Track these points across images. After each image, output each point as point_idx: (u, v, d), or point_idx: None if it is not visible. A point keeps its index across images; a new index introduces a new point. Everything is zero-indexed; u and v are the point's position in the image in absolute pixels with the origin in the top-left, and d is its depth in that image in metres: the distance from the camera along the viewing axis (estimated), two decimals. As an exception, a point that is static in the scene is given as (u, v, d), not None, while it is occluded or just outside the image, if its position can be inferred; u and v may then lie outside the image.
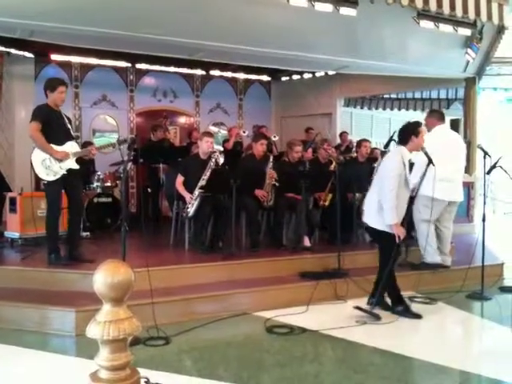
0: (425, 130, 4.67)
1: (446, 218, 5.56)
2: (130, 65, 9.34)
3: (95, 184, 6.97)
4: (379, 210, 4.30)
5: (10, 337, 3.74)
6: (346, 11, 5.77)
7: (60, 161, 4.59)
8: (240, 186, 5.30)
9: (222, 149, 7.33)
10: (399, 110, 11.02)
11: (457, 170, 5.57)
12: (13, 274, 4.60)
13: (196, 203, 5.35)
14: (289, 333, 3.95)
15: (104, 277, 1.43)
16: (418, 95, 10.78)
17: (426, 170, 4.63)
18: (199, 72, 9.94)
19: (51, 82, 4.75)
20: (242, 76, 10.49)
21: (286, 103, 10.90)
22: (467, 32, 6.91)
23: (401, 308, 4.42)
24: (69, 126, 4.79)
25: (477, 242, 5.27)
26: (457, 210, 5.74)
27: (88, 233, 6.38)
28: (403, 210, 4.36)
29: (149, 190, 7.72)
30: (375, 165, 6.14)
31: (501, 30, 7.18)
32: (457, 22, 6.54)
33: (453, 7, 5.91)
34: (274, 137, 7.77)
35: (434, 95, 10.68)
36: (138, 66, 9.39)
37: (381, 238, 4.42)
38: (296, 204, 5.80)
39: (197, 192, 5.37)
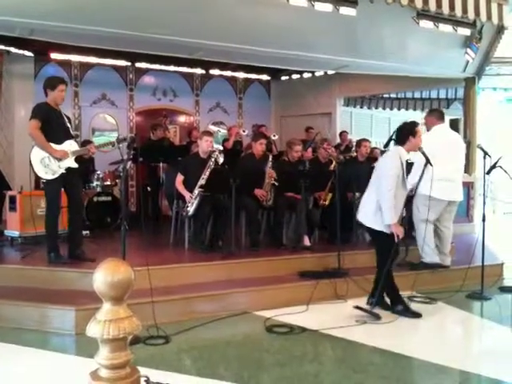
0: (422, 130, 4.68)
1: (446, 217, 5.56)
2: (129, 64, 9.35)
3: (95, 183, 6.97)
4: (377, 209, 4.30)
5: (10, 335, 3.74)
6: (345, 11, 5.77)
7: (59, 160, 4.59)
8: (239, 185, 5.30)
9: (221, 148, 7.32)
10: (399, 109, 11.03)
11: (456, 169, 5.57)
12: (12, 273, 4.59)
13: (196, 202, 5.35)
14: (289, 332, 3.95)
15: (104, 276, 1.43)
16: (417, 95, 10.79)
17: (423, 170, 4.63)
18: (199, 71, 9.95)
19: (51, 80, 4.76)
20: (241, 75, 10.50)
21: (285, 102, 10.90)
22: (467, 32, 6.91)
23: (400, 307, 4.42)
24: (68, 125, 4.79)
25: (477, 242, 5.27)
26: (457, 210, 5.74)
27: (88, 232, 6.37)
28: (400, 209, 4.37)
29: (148, 188, 7.72)
30: (375, 164, 6.13)
31: (500, 29, 7.19)
32: (456, 22, 6.55)
33: (452, 7, 5.91)
34: (274, 136, 7.78)
35: (434, 95, 10.69)
36: (138, 64, 9.39)
37: (379, 237, 4.42)
38: (296, 203, 5.80)
39: (196, 191, 5.37)
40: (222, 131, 10.33)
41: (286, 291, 4.71)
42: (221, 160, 5.56)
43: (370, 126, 11.30)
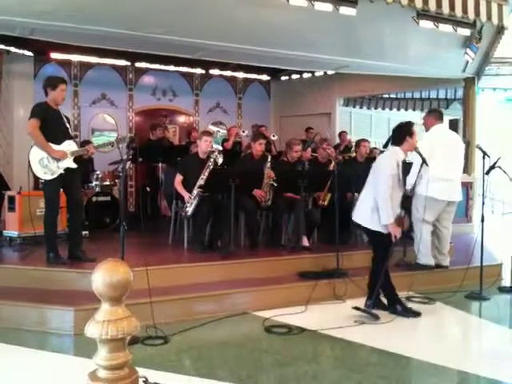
0: (418, 130, 4.68)
1: (445, 218, 5.56)
2: (129, 63, 9.33)
3: (94, 183, 6.96)
4: (373, 210, 4.30)
5: (9, 336, 3.74)
6: (345, 11, 5.77)
7: (58, 160, 4.59)
8: (238, 185, 5.29)
9: (221, 148, 7.32)
10: (398, 109, 11.03)
11: (455, 169, 5.57)
12: (11, 273, 4.59)
13: (195, 203, 5.35)
14: (287, 332, 3.95)
15: (103, 276, 1.43)
16: (417, 95, 10.79)
17: (419, 170, 4.63)
18: (199, 71, 9.94)
19: (52, 79, 4.75)
20: (241, 75, 10.48)
21: (285, 102, 10.90)
22: (466, 32, 6.91)
23: (399, 307, 4.42)
24: (67, 125, 4.79)
25: (475, 242, 5.28)
26: (455, 210, 5.74)
27: (87, 232, 6.36)
28: (396, 210, 4.36)
29: (148, 189, 7.71)
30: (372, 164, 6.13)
31: (500, 30, 7.19)
32: (456, 22, 6.54)
33: (452, 7, 5.91)
34: (274, 136, 7.78)
35: (433, 95, 10.69)
36: (138, 64, 9.37)
37: (376, 237, 4.42)
38: (295, 204, 5.80)
39: (195, 191, 5.37)
40: (222, 131, 10.33)
41: (285, 291, 4.71)
42: (220, 160, 5.55)
43: (369, 126, 11.30)
